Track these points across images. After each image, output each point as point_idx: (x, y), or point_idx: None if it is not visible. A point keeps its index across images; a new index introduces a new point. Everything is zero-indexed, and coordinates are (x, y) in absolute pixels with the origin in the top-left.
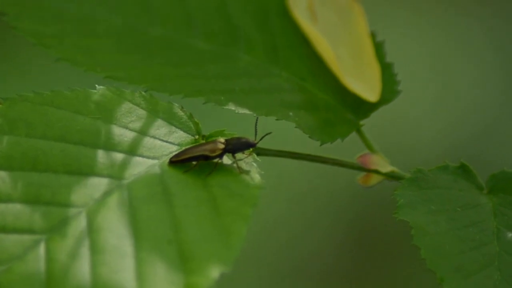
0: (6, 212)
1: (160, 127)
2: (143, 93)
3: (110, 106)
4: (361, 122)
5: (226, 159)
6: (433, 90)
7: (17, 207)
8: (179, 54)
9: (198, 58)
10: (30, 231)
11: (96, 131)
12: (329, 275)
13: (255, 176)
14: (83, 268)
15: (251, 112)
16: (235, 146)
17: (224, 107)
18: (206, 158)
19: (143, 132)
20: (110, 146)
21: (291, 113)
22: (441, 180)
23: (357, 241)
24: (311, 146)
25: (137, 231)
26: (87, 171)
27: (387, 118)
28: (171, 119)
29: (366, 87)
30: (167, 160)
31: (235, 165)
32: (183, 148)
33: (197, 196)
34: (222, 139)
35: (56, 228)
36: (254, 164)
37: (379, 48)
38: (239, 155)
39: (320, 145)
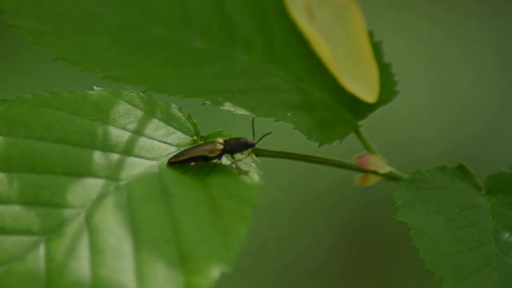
0: (5, 213)
1: (158, 128)
2: (141, 94)
3: (108, 108)
4: (359, 123)
5: (225, 160)
6: (431, 90)
7: (16, 209)
8: (177, 53)
9: (196, 57)
10: (29, 232)
11: (94, 132)
12: (325, 274)
13: (254, 177)
14: (82, 268)
15: (249, 113)
16: (234, 147)
17: (222, 108)
18: (205, 158)
19: (141, 133)
20: (108, 147)
21: (289, 114)
22: (439, 180)
23: (354, 240)
24: (310, 147)
25: (136, 231)
26: (85, 172)
27: (385, 118)
28: (170, 120)
29: (364, 87)
30: (166, 161)
31: (234, 165)
32: (182, 149)
33: (196, 196)
34: (220, 140)
35: (55, 229)
36: (253, 165)
37: (377, 48)
38: (238, 156)
39: (319, 146)
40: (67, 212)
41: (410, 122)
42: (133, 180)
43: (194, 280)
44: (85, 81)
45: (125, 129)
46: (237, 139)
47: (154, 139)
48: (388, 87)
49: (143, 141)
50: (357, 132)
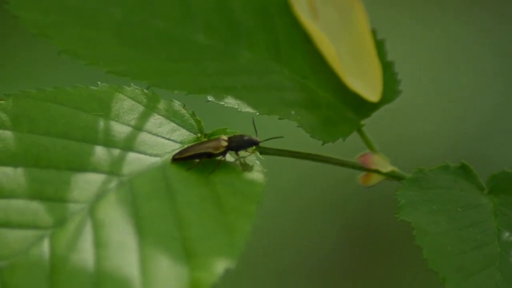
0: (9, 207)
1: (162, 125)
2: (145, 90)
3: (112, 104)
4: (362, 122)
5: (229, 157)
6: (434, 89)
7: (20, 203)
8: (180, 48)
9: (198, 53)
10: (33, 226)
11: (98, 128)
12: (328, 273)
13: (258, 174)
14: (87, 262)
15: (253, 111)
16: (239, 144)
17: (226, 105)
18: (209, 155)
19: (145, 130)
20: (112, 143)
21: (293, 112)
22: (442, 180)
23: (357, 239)
24: (313, 145)
25: (141, 227)
26: (89, 167)
27: (388, 117)
28: (173, 117)
29: (368, 86)
30: (170, 158)
31: (238, 162)
32: (186, 146)
33: (200, 193)
34: (225, 137)
35: (59, 224)
36: (257, 162)
37: (380, 47)
38: (242, 153)
39: (322, 144)
40: (71, 206)
41: (413, 121)
42: (137, 176)
43: (198, 275)
44: (86, 82)
45: (129, 125)
46: (241, 136)
47: (158, 135)
48: (391, 86)
49: (147, 137)
50: (360, 131)
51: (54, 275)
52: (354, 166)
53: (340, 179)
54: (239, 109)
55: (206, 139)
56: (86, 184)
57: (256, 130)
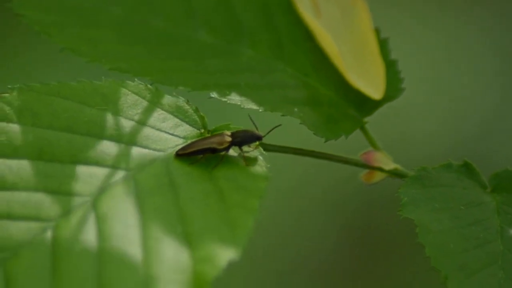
0: (12, 200)
1: (166, 120)
2: (149, 86)
3: (116, 98)
4: (365, 119)
5: (232, 152)
6: (435, 88)
7: (23, 195)
8: (180, 47)
9: (200, 51)
10: (36, 218)
11: (102, 122)
12: (328, 273)
13: (261, 169)
14: (90, 255)
15: (256, 108)
16: (242, 139)
17: (229, 102)
18: (213, 151)
19: (149, 125)
20: (116, 137)
21: (296, 109)
22: (444, 178)
23: (357, 239)
24: (315, 143)
25: (144, 221)
26: (93, 161)
27: (390, 115)
28: (177, 113)
29: (370, 84)
30: (173, 153)
31: (241, 158)
32: (189, 141)
33: (203, 188)
34: (228, 132)
35: (62, 216)
36: (261, 157)
37: (383, 45)
38: (245, 148)
39: (325, 141)
40: (74, 199)
41: (413, 120)
42: (140, 171)
43: (201, 268)
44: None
45: (132, 120)
46: (245, 131)
47: (161, 130)
48: (394, 84)
49: (150, 132)
50: (363, 128)
51: (57, 266)
52: (357, 164)
53: (341, 179)
54: (242, 106)
55: (209, 135)
56: (90, 177)
57: (256, 126)
